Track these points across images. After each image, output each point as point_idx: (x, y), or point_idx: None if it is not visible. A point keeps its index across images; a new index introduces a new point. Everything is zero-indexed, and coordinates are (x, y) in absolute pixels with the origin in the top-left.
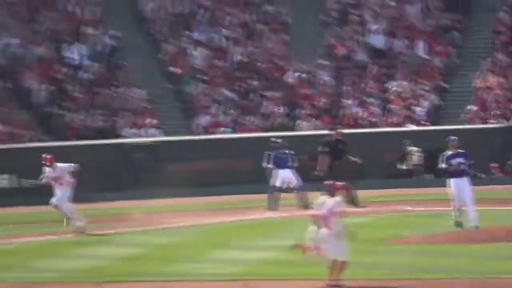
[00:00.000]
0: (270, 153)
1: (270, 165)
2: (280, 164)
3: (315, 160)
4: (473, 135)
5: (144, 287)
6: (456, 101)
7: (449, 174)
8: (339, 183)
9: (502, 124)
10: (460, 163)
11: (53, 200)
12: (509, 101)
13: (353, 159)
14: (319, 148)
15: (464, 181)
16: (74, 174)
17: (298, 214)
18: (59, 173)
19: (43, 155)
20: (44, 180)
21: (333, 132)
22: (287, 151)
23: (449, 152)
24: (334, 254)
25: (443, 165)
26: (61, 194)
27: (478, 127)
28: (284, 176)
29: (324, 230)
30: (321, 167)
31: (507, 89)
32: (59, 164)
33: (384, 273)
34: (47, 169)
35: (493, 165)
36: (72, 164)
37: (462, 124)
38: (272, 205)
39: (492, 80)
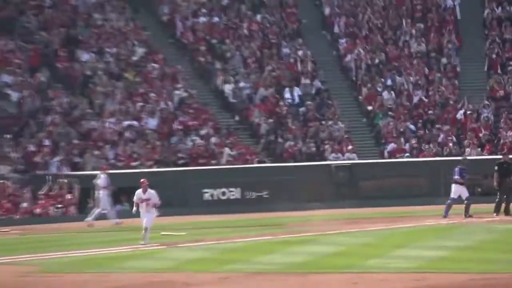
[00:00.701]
0: (457, 167)
1: (457, 177)
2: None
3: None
4: None
5: (338, 278)
6: None
7: None
8: None
9: None
10: None
11: (144, 221)
12: None
13: None
14: (495, 168)
15: None
16: (155, 204)
17: (464, 221)
18: (148, 197)
19: (141, 180)
20: (135, 199)
21: (504, 157)
22: (465, 168)
23: None
24: None
25: None
26: (148, 214)
27: None
28: (458, 189)
29: None
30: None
31: None
32: (150, 190)
33: None
34: (139, 191)
35: None
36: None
37: None
38: (447, 213)
39: None
